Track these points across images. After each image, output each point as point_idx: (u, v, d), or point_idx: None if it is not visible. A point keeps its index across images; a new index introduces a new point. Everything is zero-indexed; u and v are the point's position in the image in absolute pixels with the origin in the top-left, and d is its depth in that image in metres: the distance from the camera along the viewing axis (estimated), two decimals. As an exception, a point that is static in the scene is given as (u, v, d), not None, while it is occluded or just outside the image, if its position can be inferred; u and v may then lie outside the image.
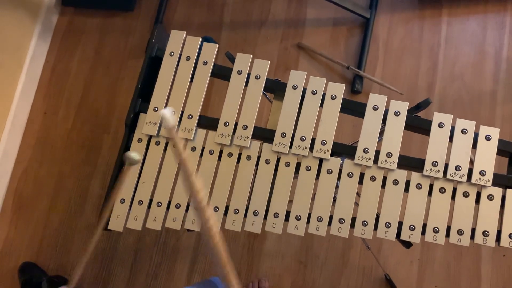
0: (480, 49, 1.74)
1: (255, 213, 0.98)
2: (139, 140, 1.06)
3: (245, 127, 1.02)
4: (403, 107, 0.99)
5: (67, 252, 1.73)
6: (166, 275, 1.66)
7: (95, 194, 1.78)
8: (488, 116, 1.66)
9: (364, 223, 0.94)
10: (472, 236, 0.91)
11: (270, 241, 1.63)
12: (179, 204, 1.01)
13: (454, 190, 0.94)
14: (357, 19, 1.82)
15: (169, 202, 1.02)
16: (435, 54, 1.76)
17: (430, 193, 0.94)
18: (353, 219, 0.95)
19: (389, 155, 0.95)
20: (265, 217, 0.98)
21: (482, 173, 0.92)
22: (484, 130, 0.96)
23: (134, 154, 0.75)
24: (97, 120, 1.86)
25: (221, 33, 1.91)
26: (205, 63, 1.08)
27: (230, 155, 1.02)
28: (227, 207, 0.99)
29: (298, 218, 0.96)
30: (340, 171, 0.97)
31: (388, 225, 0.93)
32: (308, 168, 0.98)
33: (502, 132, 1.64)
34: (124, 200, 1.03)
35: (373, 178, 0.96)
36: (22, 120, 1.89)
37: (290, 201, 0.98)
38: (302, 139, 0.99)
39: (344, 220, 0.95)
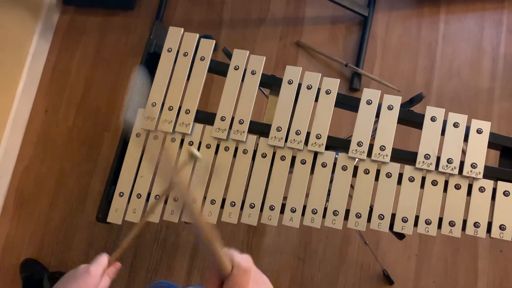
0: (477, 47, 1.75)
1: (251, 206, 0.99)
2: (138, 134, 1.08)
3: (241, 122, 1.03)
4: (396, 101, 1.00)
5: (68, 249, 1.75)
6: (166, 271, 1.67)
7: (95, 191, 1.79)
8: (485, 113, 1.67)
9: (358, 215, 0.95)
10: (464, 228, 0.93)
11: (269, 237, 1.64)
12: (177, 198, 1.02)
13: (446, 182, 0.95)
14: (355, 17, 1.83)
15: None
16: (433, 52, 1.77)
17: (422, 185, 0.95)
18: (347, 211, 0.96)
19: (382, 148, 0.97)
20: (261, 209, 1.00)
21: (474, 166, 0.94)
22: (476, 124, 0.97)
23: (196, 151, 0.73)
24: (98, 117, 1.87)
25: (221, 31, 1.92)
26: (202, 59, 1.10)
27: (226, 149, 1.03)
28: (223, 200, 1.01)
29: (293, 211, 0.98)
30: (335, 164, 0.99)
31: (381, 217, 0.95)
32: (303, 162, 0.99)
33: (499, 129, 1.65)
34: (122, 193, 1.05)
35: (366, 171, 0.97)
36: (24, 118, 1.90)
37: (286, 195, 0.99)
38: (297, 133, 1.01)
39: (338, 212, 0.96)
